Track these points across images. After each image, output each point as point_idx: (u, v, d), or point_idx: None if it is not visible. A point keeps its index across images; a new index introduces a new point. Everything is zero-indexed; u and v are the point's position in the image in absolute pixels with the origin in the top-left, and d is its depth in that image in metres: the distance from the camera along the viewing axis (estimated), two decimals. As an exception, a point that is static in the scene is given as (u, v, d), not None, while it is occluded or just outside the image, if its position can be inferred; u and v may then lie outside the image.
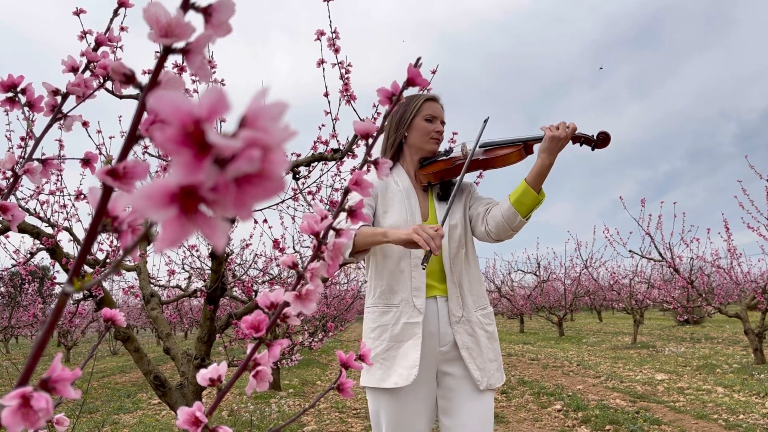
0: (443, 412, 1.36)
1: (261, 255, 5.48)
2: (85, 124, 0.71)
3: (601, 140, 1.37)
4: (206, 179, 0.17)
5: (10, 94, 0.56)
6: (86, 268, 2.63)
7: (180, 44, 0.25)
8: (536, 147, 1.37)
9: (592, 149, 1.39)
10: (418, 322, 1.33)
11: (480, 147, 1.42)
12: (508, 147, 1.41)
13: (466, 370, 1.34)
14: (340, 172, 2.77)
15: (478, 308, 1.40)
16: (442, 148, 1.51)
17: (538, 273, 12.15)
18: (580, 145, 1.39)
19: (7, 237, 2.84)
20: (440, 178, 1.47)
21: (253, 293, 3.31)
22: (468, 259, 1.43)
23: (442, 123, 1.48)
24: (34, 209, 2.72)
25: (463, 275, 1.40)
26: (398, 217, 1.40)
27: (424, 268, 1.21)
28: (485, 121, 1.41)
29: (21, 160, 0.55)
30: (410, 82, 0.42)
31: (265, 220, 3.31)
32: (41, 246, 2.30)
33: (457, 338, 1.34)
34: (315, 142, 2.24)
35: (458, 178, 1.41)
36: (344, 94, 2.01)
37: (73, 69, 0.59)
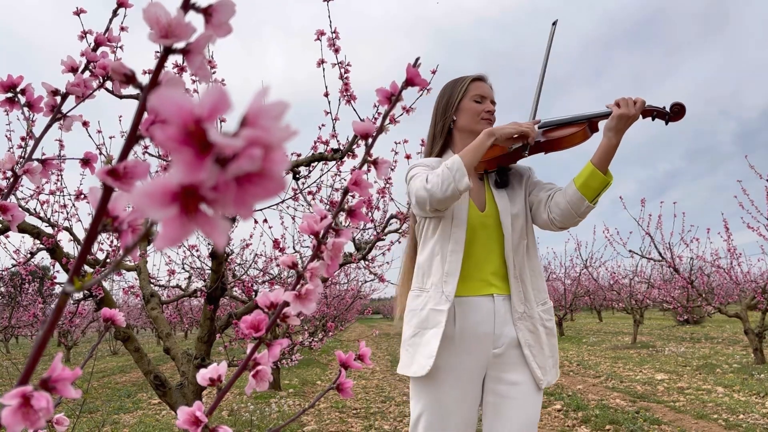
0: (491, 418, 1.28)
1: (261, 255, 5.48)
2: (85, 124, 0.71)
3: (675, 113, 1.26)
4: (207, 178, 0.17)
5: (9, 95, 0.56)
6: (86, 267, 2.63)
7: (180, 44, 0.25)
8: (601, 124, 1.27)
9: (666, 123, 1.28)
10: (443, 310, 1.24)
11: (539, 128, 1.32)
12: (570, 126, 1.30)
13: (525, 375, 1.27)
14: (340, 172, 2.77)
15: (539, 303, 1.33)
16: None
17: (538, 273, 12.10)
18: (653, 119, 1.27)
19: (7, 237, 2.84)
20: (497, 164, 1.35)
21: (253, 293, 3.31)
22: (529, 251, 1.34)
23: (493, 103, 1.38)
24: (34, 209, 2.72)
25: (525, 268, 1.31)
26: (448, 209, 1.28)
27: (527, 156, 1.27)
28: (554, 24, 1.26)
29: (21, 160, 0.55)
30: (409, 82, 0.41)
31: (265, 220, 3.30)
32: (41, 246, 2.30)
33: (519, 335, 1.27)
34: (315, 142, 2.24)
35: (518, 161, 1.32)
36: (344, 94, 2.01)
37: (73, 69, 0.59)
